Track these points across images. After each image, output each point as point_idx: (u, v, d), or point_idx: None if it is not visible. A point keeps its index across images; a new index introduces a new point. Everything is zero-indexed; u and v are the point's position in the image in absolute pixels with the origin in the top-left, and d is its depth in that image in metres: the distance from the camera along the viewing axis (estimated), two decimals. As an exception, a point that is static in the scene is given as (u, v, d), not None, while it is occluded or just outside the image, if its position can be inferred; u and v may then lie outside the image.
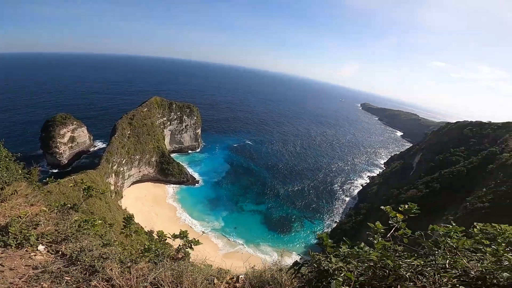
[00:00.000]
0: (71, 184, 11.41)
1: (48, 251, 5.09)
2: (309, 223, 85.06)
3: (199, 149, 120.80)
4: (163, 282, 3.35)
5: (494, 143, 71.10)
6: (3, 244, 4.91)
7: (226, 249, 66.99)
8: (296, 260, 3.09)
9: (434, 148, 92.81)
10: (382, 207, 4.17)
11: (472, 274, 2.79)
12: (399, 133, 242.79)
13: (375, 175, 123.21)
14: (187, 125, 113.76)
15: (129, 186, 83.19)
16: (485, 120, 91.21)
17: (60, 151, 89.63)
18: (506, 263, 2.95)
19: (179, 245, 5.51)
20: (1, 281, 3.67)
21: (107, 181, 64.17)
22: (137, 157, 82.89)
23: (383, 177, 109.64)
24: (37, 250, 5.01)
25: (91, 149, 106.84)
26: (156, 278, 3.50)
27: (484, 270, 2.78)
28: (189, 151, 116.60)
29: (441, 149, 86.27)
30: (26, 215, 6.23)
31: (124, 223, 8.24)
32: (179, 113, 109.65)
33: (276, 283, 3.14)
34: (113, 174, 70.94)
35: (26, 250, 4.88)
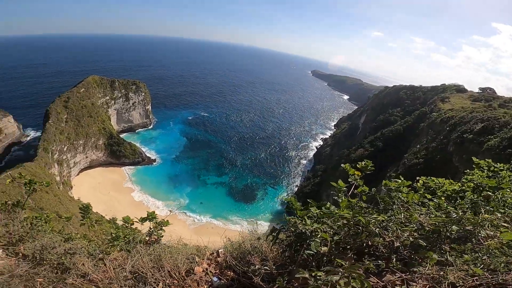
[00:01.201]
0: (8, 180, 10.04)
1: (7, 255, 4.64)
2: (272, 189, 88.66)
3: (151, 126, 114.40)
4: (143, 268, 3.31)
5: (425, 104, 79.05)
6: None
7: (195, 226, 67.19)
8: (274, 226, 3.16)
9: (376, 110, 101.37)
10: (342, 165, 4.31)
11: (428, 227, 2.99)
12: (346, 97, 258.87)
13: (327, 137, 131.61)
14: (135, 102, 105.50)
15: (78, 174, 76.50)
16: (416, 84, 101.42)
17: (-15, 146, 77.07)
18: (455, 215, 3.18)
19: (150, 228, 5.40)
20: None
21: (50, 172, 57.87)
22: (81, 141, 75.44)
23: (335, 139, 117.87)
24: (-5, 255, 4.52)
25: (23, 140, 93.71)
26: (135, 266, 3.44)
27: (437, 224, 2.99)
28: (141, 129, 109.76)
29: (382, 110, 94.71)
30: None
31: (82, 214, 7.70)
32: (123, 90, 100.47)
33: (257, 251, 3.23)
34: (56, 164, 64.08)
35: (-17, 257, 4.37)
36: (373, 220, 2.94)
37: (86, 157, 79.19)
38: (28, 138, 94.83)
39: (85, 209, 8.79)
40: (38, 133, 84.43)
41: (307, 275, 2.23)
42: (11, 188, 35.42)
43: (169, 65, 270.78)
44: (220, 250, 3.76)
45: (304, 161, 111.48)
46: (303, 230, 2.79)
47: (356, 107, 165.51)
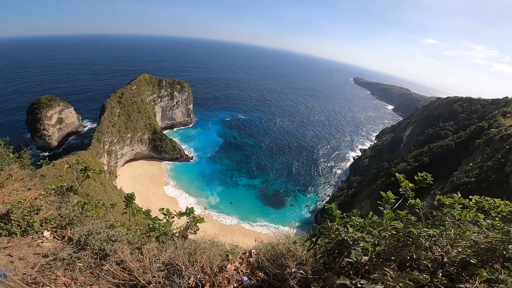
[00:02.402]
0: (67, 166, 11.19)
1: (54, 237, 5.01)
2: (302, 196, 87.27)
3: (191, 125, 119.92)
4: (177, 261, 3.37)
5: (483, 119, 71.78)
6: (7, 232, 4.75)
7: (222, 224, 68.46)
8: (313, 231, 3.12)
9: (424, 122, 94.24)
10: (397, 174, 4.19)
11: (483, 245, 2.88)
12: (390, 107, 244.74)
13: (366, 148, 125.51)
14: (178, 101, 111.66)
15: (123, 165, 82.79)
16: (474, 96, 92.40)
17: (48, 133, 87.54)
18: None
19: (187, 222, 5.53)
20: (14, 272, 3.58)
21: (100, 161, 63.47)
22: (129, 135, 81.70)
23: (374, 150, 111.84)
24: (43, 236, 4.92)
25: (81, 130, 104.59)
26: (170, 257, 3.52)
27: (494, 242, 2.88)
28: (182, 127, 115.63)
29: (431, 123, 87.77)
30: (25, 200, 6.06)
31: (125, 203, 8.22)
32: (169, 89, 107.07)
33: (291, 255, 3.16)
34: (106, 154, 70.11)
35: (32, 238, 4.77)
36: (423, 233, 2.87)
37: (132, 149, 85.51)
38: (85, 129, 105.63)
39: (130, 198, 9.39)
40: (94, 125, 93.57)
41: (348, 282, 2.20)
42: (65, 173, 39.28)
43: (212, 68, 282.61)
44: (252, 251, 3.72)
45: (339, 171, 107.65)
46: (345, 238, 2.71)
47: (401, 119, 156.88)
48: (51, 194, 7.53)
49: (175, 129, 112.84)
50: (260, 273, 3.12)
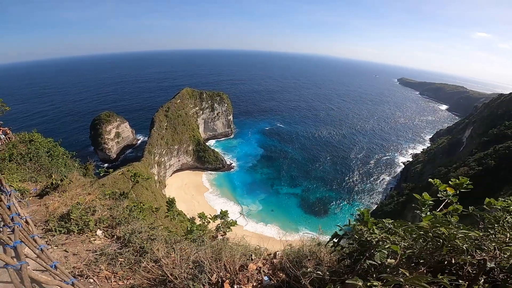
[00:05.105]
0: (119, 173, 12.50)
1: (105, 236, 5.65)
2: (347, 205, 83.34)
3: (232, 135, 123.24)
4: (204, 259, 3.55)
5: None
6: (66, 230, 5.52)
7: (263, 232, 68.59)
8: (336, 232, 2.98)
9: (486, 122, 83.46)
10: (430, 179, 3.81)
11: None
12: (444, 107, 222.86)
13: (419, 152, 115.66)
14: (219, 112, 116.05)
15: (171, 175, 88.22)
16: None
17: (108, 147, 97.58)
18: None
19: (218, 225, 5.76)
20: (66, 266, 4.14)
21: (151, 171, 68.73)
22: (176, 147, 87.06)
23: (428, 155, 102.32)
24: (96, 235, 5.59)
25: (135, 143, 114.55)
26: (198, 256, 3.73)
27: None
28: (223, 138, 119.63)
29: (495, 123, 77.35)
30: (84, 202, 6.97)
31: (167, 207, 8.89)
32: (210, 101, 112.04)
33: (315, 257, 3.11)
34: (156, 165, 75.61)
35: (86, 236, 5.45)
36: (460, 235, 2.57)
37: (179, 160, 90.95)
38: (139, 142, 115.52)
39: (171, 202, 10.10)
40: (145, 138, 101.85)
41: (360, 284, 2.06)
42: (121, 182, 43.47)
43: (247, 78, 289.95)
44: (277, 252, 3.74)
45: (387, 178, 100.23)
46: (368, 239, 2.55)
47: (458, 119, 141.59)
48: (106, 198, 8.51)
49: (217, 140, 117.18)
50: (281, 274, 3.13)
